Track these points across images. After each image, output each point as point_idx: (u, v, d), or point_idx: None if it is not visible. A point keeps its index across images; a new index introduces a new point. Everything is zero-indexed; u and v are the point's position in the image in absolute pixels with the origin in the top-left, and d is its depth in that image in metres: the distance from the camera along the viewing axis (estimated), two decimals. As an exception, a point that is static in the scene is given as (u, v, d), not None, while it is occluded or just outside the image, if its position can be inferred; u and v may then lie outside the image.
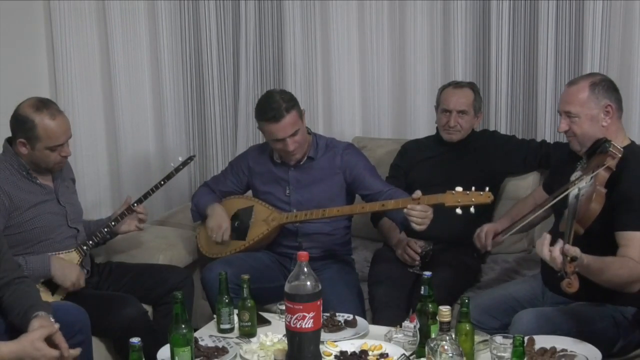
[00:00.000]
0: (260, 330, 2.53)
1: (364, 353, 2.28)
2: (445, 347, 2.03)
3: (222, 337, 2.52)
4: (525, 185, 3.39)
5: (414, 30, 3.72)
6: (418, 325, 2.32)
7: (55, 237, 2.92)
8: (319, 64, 3.90)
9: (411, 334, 2.35)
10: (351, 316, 2.61)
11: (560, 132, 2.68)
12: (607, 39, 3.38)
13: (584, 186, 2.41)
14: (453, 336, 2.14)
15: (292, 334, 2.14)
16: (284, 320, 2.20)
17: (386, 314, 2.89)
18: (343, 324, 2.56)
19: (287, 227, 3.20)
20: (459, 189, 2.76)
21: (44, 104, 2.85)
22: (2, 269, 2.47)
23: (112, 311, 2.82)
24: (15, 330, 2.34)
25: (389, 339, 2.40)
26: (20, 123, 2.83)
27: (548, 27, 3.46)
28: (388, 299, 2.99)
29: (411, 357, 2.30)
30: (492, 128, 3.61)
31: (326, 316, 2.51)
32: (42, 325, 2.28)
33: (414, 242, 3.20)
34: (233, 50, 4.07)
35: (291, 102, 3.07)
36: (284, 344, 2.30)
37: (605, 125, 2.56)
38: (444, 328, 2.17)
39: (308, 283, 2.12)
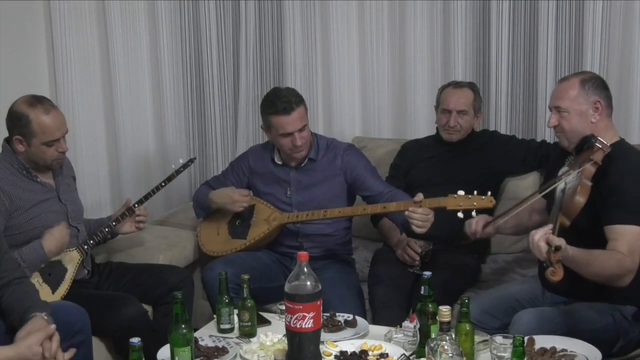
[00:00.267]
0: (260, 330, 2.53)
1: (364, 353, 2.28)
2: (445, 347, 2.03)
3: (222, 337, 2.52)
4: (525, 185, 3.39)
5: (414, 30, 3.72)
6: (418, 325, 2.32)
7: (57, 236, 2.92)
8: (319, 64, 3.90)
9: (411, 334, 2.35)
10: (351, 316, 2.61)
11: (549, 127, 2.70)
12: (607, 39, 3.39)
13: (570, 180, 2.45)
14: (453, 336, 2.14)
15: (292, 334, 2.14)
16: (284, 320, 2.20)
17: (386, 314, 2.89)
18: (343, 324, 2.56)
19: (288, 227, 3.20)
20: (461, 192, 2.76)
21: (37, 100, 2.86)
22: (2, 269, 2.47)
23: (112, 311, 2.81)
24: (15, 332, 2.34)
25: (389, 339, 2.40)
26: (15, 120, 2.83)
27: (548, 27, 3.46)
28: (388, 299, 2.99)
29: (411, 357, 2.30)
30: (492, 128, 3.61)
31: (326, 316, 2.51)
32: (38, 328, 2.27)
33: (414, 242, 3.20)
34: (233, 50, 4.07)
35: (299, 98, 3.11)
36: (284, 344, 2.30)
37: (594, 122, 2.58)
38: (444, 328, 2.17)
39: (308, 283, 2.12)
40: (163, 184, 3.25)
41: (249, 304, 2.52)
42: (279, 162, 3.24)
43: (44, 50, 4.02)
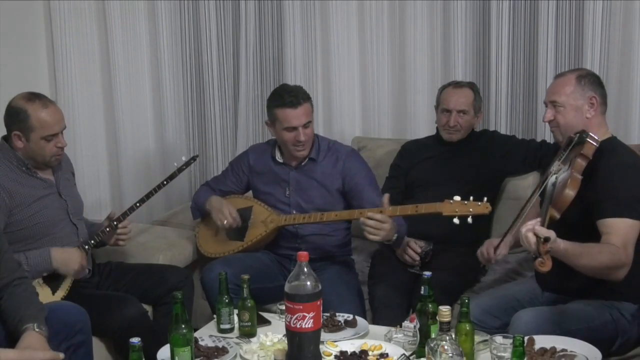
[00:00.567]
0: (260, 330, 2.53)
1: (364, 353, 2.28)
2: (445, 347, 2.03)
3: (222, 337, 2.52)
4: (525, 185, 3.39)
5: (414, 30, 3.72)
6: (418, 325, 2.32)
7: (57, 232, 2.92)
8: (319, 64, 3.90)
9: (411, 334, 2.35)
10: (351, 316, 2.61)
11: (544, 122, 2.71)
12: (607, 39, 3.39)
13: (561, 174, 2.47)
14: (453, 336, 2.14)
15: (292, 334, 2.14)
16: (284, 320, 2.20)
17: (386, 314, 2.89)
18: (343, 324, 2.56)
19: (287, 228, 3.20)
20: (457, 198, 2.76)
21: (35, 95, 2.87)
22: (2, 269, 2.46)
23: (112, 311, 2.81)
24: (14, 338, 2.34)
25: (389, 339, 2.40)
26: (13, 115, 2.84)
27: (548, 27, 3.46)
28: (388, 299, 2.99)
29: (411, 357, 2.30)
30: (492, 128, 3.61)
31: (326, 316, 2.51)
32: (35, 347, 2.27)
33: (414, 242, 3.20)
34: (233, 50, 4.07)
35: (307, 95, 3.13)
36: (284, 344, 2.30)
37: (588, 117, 2.60)
38: (444, 328, 2.16)
39: (308, 283, 2.12)
40: (165, 182, 3.26)
41: (249, 304, 2.52)
42: (280, 161, 3.24)
43: (44, 50, 4.02)
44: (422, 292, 2.30)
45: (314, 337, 2.15)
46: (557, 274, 2.56)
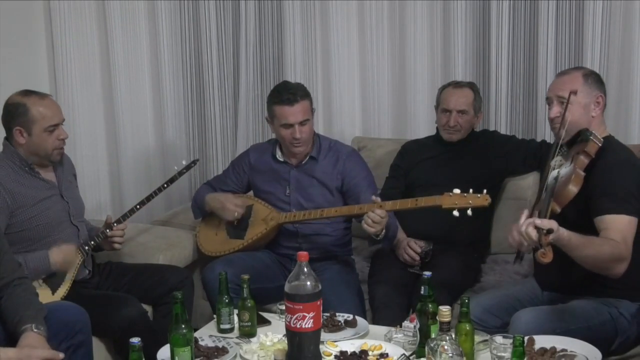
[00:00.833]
0: (260, 330, 2.52)
1: (364, 353, 2.28)
2: (445, 347, 2.03)
3: (222, 337, 2.52)
4: (525, 185, 3.40)
5: (414, 30, 3.72)
6: (418, 325, 2.32)
7: (58, 234, 2.92)
8: (319, 64, 3.90)
9: (411, 334, 2.35)
10: (351, 316, 2.60)
11: (551, 117, 2.67)
12: (607, 39, 3.39)
13: (563, 169, 2.47)
14: (453, 336, 2.14)
15: (292, 334, 2.14)
16: (284, 320, 2.20)
17: (386, 314, 2.89)
18: (343, 324, 2.56)
19: (288, 228, 3.20)
20: (457, 191, 2.77)
21: (30, 91, 2.90)
22: (2, 269, 2.47)
23: (112, 311, 2.82)
24: (14, 338, 2.35)
25: (389, 339, 2.40)
26: (12, 111, 2.85)
27: (548, 27, 3.46)
28: (388, 299, 2.99)
29: (411, 357, 2.30)
30: (492, 128, 3.61)
31: (326, 316, 2.51)
32: (34, 346, 2.28)
33: (414, 242, 3.20)
34: (233, 50, 4.07)
35: (306, 92, 3.14)
36: (284, 344, 2.30)
37: (593, 116, 2.61)
38: (444, 328, 2.17)
39: (308, 283, 2.12)
40: (165, 185, 3.26)
41: (249, 304, 2.52)
42: (281, 159, 3.24)
43: (44, 50, 4.02)
44: (422, 292, 2.30)
45: (314, 337, 2.16)
46: (557, 273, 2.57)
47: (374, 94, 3.87)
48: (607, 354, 2.43)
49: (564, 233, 2.23)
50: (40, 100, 2.87)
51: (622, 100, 3.39)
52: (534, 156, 3.36)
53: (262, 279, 2.97)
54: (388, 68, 3.82)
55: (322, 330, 2.30)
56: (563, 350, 2.22)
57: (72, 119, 3.86)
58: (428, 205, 2.85)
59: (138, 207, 3.15)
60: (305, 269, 2.12)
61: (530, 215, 2.33)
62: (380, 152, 3.69)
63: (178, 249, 3.39)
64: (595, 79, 2.64)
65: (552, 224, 2.19)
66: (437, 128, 3.45)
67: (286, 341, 2.21)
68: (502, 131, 3.60)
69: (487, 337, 2.32)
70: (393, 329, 2.44)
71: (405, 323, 2.38)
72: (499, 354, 2.21)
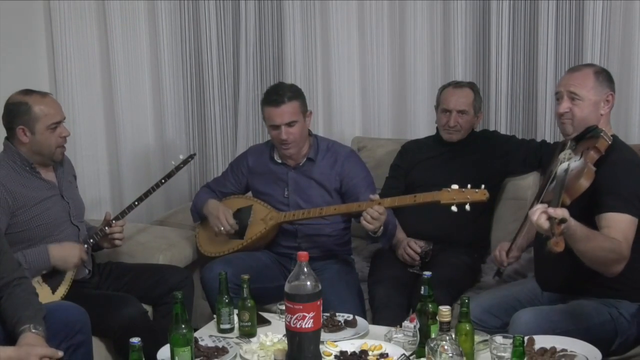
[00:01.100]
0: (260, 330, 2.52)
1: (364, 353, 2.28)
2: (445, 347, 2.03)
3: (222, 337, 2.52)
4: (525, 185, 3.40)
5: (414, 30, 3.72)
6: (418, 325, 2.32)
7: (59, 234, 2.92)
8: (319, 64, 3.90)
9: (411, 334, 2.35)
10: (351, 316, 2.60)
11: (560, 112, 2.66)
12: (607, 39, 3.39)
13: (573, 162, 2.47)
14: (453, 336, 2.14)
15: (292, 334, 2.14)
16: (284, 320, 2.20)
17: (386, 314, 2.89)
18: (343, 324, 2.56)
19: (287, 228, 3.20)
20: (455, 186, 2.77)
21: (30, 90, 2.91)
22: (2, 269, 2.47)
23: (112, 311, 2.82)
24: (13, 339, 2.35)
25: (389, 339, 2.40)
26: (14, 110, 2.86)
27: (548, 27, 3.46)
28: (388, 299, 2.99)
29: (411, 357, 2.30)
30: (492, 128, 3.61)
31: (326, 316, 2.51)
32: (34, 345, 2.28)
33: (414, 242, 3.20)
34: (233, 50, 4.07)
35: (296, 94, 3.12)
36: (284, 344, 2.30)
37: (602, 114, 2.61)
38: (444, 328, 2.17)
39: (308, 283, 2.12)
40: (163, 180, 3.26)
41: (249, 304, 2.52)
42: (278, 161, 3.24)
43: (44, 50, 4.02)
44: (422, 292, 2.30)
45: (314, 337, 2.16)
46: (558, 273, 2.57)
47: (374, 94, 3.87)
48: (607, 354, 2.43)
49: (572, 222, 2.21)
50: (42, 99, 2.88)
51: (622, 100, 3.38)
52: (534, 156, 3.37)
53: (261, 279, 2.97)
54: (388, 68, 3.82)
55: (322, 330, 2.30)
56: (563, 350, 2.22)
57: (72, 119, 3.86)
58: (427, 201, 2.85)
59: (136, 203, 3.15)
60: (305, 269, 2.12)
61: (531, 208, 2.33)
62: (380, 152, 3.69)
63: (178, 249, 3.39)
64: (606, 77, 2.64)
65: (565, 213, 2.17)
66: (437, 128, 3.45)
67: (286, 341, 2.21)
68: (502, 131, 3.60)
69: (487, 337, 2.32)
70: (393, 329, 2.44)
71: (405, 323, 2.38)
72: (499, 354, 2.21)
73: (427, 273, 2.32)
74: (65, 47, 3.99)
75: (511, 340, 2.12)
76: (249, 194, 3.37)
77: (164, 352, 2.34)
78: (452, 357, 2.02)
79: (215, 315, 2.63)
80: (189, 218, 3.52)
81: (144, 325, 2.83)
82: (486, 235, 3.42)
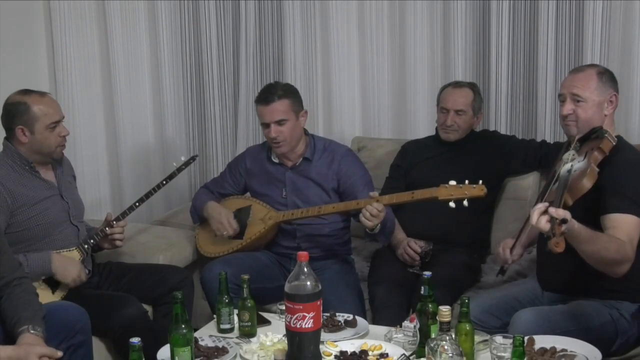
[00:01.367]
0: (260, 330, 2.52)
1: (364, 353, 2.28)
2: (445, 347, 2.03)
3: (222, 337, 2.52)
4: (525, 186, 3.40)
5: (414, 30, 3.72)
6: (418, 325, 2.32)
7: (58, 234, 2.92)
8: (319, 64, 3.90)
9: (411, 334, 2.35)
10: (351, 316, 2.60)
11: (563, 114, 2.66)
12: (607, 39, 3.39)
13: (576, 163, 2.46)
14: (453, 336, 2.14)
15: (292, 334, 2.14)
16: (284, 320, 2.20)
17: (386, 314, 2.89)
18: (343, 324, 2.56)
19: (285, 228, 3.20)
20: (453, 182, 2.78)
21: (28, 90, 2.91)
22: (2, 269, 2.47)
23: (112, 311, 2.81)
24: (13, 339, 2.35)
25: (389, 339, 2.40)
26: (13, 110, 2.86)
27: (548, 27, 3.46)
28: (388, 299, 2.99)
29: (411, 357, 2.30)
30: (492, 128, 3.61)
31: (326, 316, 2.51)
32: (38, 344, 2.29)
33: (414, 242, 3.20)
34: (233, 50, 4.07)
35: (287, 92, 3.12)
36: (284, 344, 2.30)
37: (606, 115, 2.61)
38: (444, 328, 2.17)
39: (308, 283, 2.12)
40: (164, 182, 3.26)
41: (249, 304, 2.52)
42: (275, 161, 3.24)
43: (44, 50, 4.02)
44: (422, 292, 2.30)
45: (314, 337, 2.15)
46: (559, 274, 2.56)
47: (374, 94, 3.87)
48: (608, 354, 2.43)
49: (574, 224, 2.21)
50: (41, 98, 2.88)
51: (622, 100, 3.37)
52: (534, 156, 3.37)
53: (261, 279, 2.97)
54: (388, 68, 3.83)
55: (322, 330, 2.30)
56: (563, 350, 2.22)
57: (72, 119, 3.86)
58: (424, 198, 2.85)
59: (137, 204, 3.15)
60: (305, 269, 2.12)
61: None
62: (380, 152, 3.69)
63: (178, 249, 3.39)
64: (609, 77, 2.64)
65: (566, 213, 2.16)
66: (436, 128, 3.45)
67: (286, 341, 2.21)
68: (502, 131, 3.60)
69: (487, 337, 2.32)
70: (393, 329, 2.44)
71: (405, 323, 2.38)
72: (499, 354, 2.21)
73: (427, 273, 2.32)
74: (65, 47, 3.99)
75: (511, 340, 2.12)
76: (248, 194, 3.37)
77: (164, 352, 2.34)
78: (452, 357, 2.02)
79: (215, 315, 2.63)
80: (189, 218, 3.52)
81: (144, 325, 2.83)
82: (486, 236, 3.42)
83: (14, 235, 2.78)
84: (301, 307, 2.10)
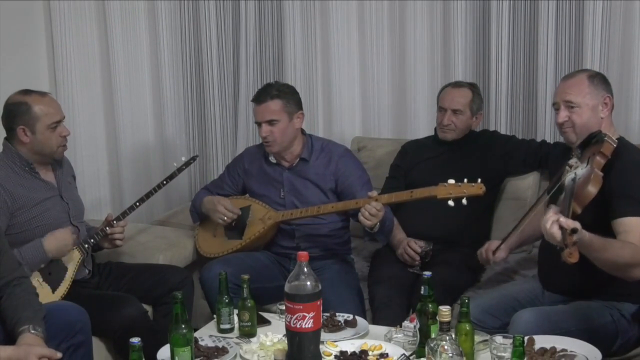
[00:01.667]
0: (260, 330, 2.53)
1: (364, 353, 2.28)
2: (445, 347, 2.03)
3: (222, 337, 2.52)
4: (525, 186, 3.40)
5: (414, 30, 3.72)
6: (418, 325, 2.32)
7: (58, 235, 2.92)
8: (319, 64, 3.90)
9: (411, 334, 2.35)
10: (351, 316, 2.60)
11: (558, 123, 2.67)
12: (607, 39, 3.39)
13: (580, 170, 2.45)
14: (453, 336, 2.14)
15: (292, 334, 2.14)
16: (284, 320, 2.20)
17: (386, 314, 2.89)
18: (343, 324, 2.56)
19: (284, 228, 3.20)
20: (451, 181, 2.78)
21: (28, 90, 2.91)
22: (2, 269, 2.47)
23: (112, 311, 2.81)
24: (13, 339, 2.35)
25: (389, 339, 2.40)
26: (14, 110, 2.86)
27: (548, 27, 3.46)
28: (388, 299, 2.99)
29: (411, 357, 2.30)
30: (492, 128, 3.61)
31: (326, 316, 2.51)
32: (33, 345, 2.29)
33: (414, 242, 3.20)
34: (233, 50, 4.07)
35: (282, 93, 3.12)
36: (284, 344, 2.30)
37: (602, 118, 2.61)
38: (444, 328, 2.17)
39: (308, 283, 2.12)
40: (165, 182, 3.26)
41: (249, 304, 2.52)
42: (273, 161, 3.25)
43: (44, 50, 4.02)
44: (422, 292, 2.30)
45: (314, 337, 2.15)
46: (562, 276, 2.56)
47: (374, 94, 3.87)
48: (608, 355, 2.42)
49: (585, 235, 2.21)
50: (41, 98, 2.88)
51: (622, 101, 3.38)
52: (534, 156, 3.37)
53: (261, 279, 2.97)
54: (388, 68, 3.82)
55: (322, 330, 2.30)
56: (563, 350, 2.22)
57: (72, 119, 3.86)
58: (423, 197, 2.85)
59: (137, 204, 3.15)
60: (305, 269, 2.12)
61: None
62: (380, 152, 3.69)
63: (178, 249, 3.39)
64: (601, 80, 2.63)
65: (575, 223, 2.16)
66: (435, 128, 3.45)
67: (286, 341, 2.21)
68: (502, 131, 3.60)
69: (487, 337, 2.32)
70: (393, 329, 2.44)
71: (405, 323, 2.38)
72: (499, 354, 2.21)
73: (427, 273, 2.32)
74: (65, 47, 3.99)
75: (511, 340, 2.12)
76: (247, 195, 3.37)
77: (164, 352, 2.34)
78: (452, 357, 2.02)
79: (215, 315, 2.63)
80: (189, 218, 3.52)
81: (144, 325, 2.83)
82: (486, 236, 3.41)
83: (14, 236, 2.78)
84: (301, 307, 2.10)
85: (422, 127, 3.76)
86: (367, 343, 2.36)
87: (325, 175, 3.18)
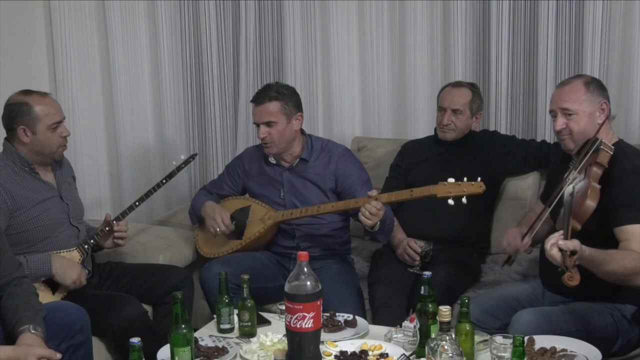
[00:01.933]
0: (260, 330, 2.53)
1: (364, 353, 2.28)
2: (445, 347, 2.03)
3: (222, 337, 2.52)
4: (525, 185, 3.40)
5: (414, 30, 3.72)
6: (418, 325, 2.32)
7: (58, 235, 2.92)
8: (319, 64, 3.90)
9: (411, 334, 2.35)
10: (351, 316, 2.60)
11: (556, 131, 2.66)
12: (607, 39, 3.39)
13: (577, 184, 2.44)
14: (453, 336, 2.14)
15: (292, 334, 2.14)
16: (284, 320, 2.20)
17: (386, 314, 2.89)
18: (343, 324, 2.56)
19: (284, 228, 3.20)
20: (451, 180, 2.78)
21: (29, 90, 2.91)
22: (2, 269, 2.47)
23: (112, 311, 2.81)
24: (13, 339, 2.35)
25: (389, 339, 2.40)
26: (14, 111, 2.86)
27: (548, 27, 3.46)
28: (388, 299, 2.99)
29: (411, 357, 2.30)
30: (492, 128, 3.61)
31: (326, 316, 2.51)
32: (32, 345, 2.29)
33: (414, 242, 3.20)
34: (233, 50, 4.07)
35: (280, 95, 3.11)
36: (284, 344, 2.30)
37: (600, 123, 2.59)
38: (444, 328, 2.17)
39: (308, 283, 2.12)
40: (164, 180, 3.26)
41: (249, 304, 2.52)
42: (272, 161, 3.25)
43: (44, 50, 4.02)
44: (422, 292, 2.30)
45: (314, 337, 2.16)
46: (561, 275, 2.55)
47: (374, 94, 3.87)
48: (608, 355, 2.42)
49: (585, 251, 2.21)
50: (42, 99, 2.88)
51: (622, 101, 3.39)
52: (534, 156, 3.37)
53: (261, 279, 2.97)
54: (388, 68, 3.82)
55: (322, 330, 2.30)
56: (563, 350, 2.22)
57: (72, 119, 3.87)
58: (423, 196, 2.85)
59: (137, 203, 3.15)
60: (306, 269, 2.12)
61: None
62: (380, 152, 3.69)
63: (178, 249, 3.40)
64: (597, 86, 2.62)
65: (575, 244, 2.17)
66: (435, 128, 3.45)
67: (286, 341, 2.21)
68: (502, 131, 3.60)
69: (487, 337, 2.32)
70: (393, 329, 2.44)
71: (405, 323, 2.38)
72: (499, 354, 2.21)
73: (427, 273, 2.32)
74: (65, 47, 3.99)
75: (511, 340, 2.12)
76: (247, 195, 3.37)
77: (164, 352, 2.34)
78: (452, 357, 2.02)
79: (215, 315, 2.63)
80: (188, 218, 3.52)
81: (144, 325, 2.83)
82: (486, 236, 3.42)
83: (14, 236, 2.78)
84: (301, 307, 2.10)
85: (422, 127, 3.76)
86: (367, 343, 2.36)
87: (325, 175, 3.18)
